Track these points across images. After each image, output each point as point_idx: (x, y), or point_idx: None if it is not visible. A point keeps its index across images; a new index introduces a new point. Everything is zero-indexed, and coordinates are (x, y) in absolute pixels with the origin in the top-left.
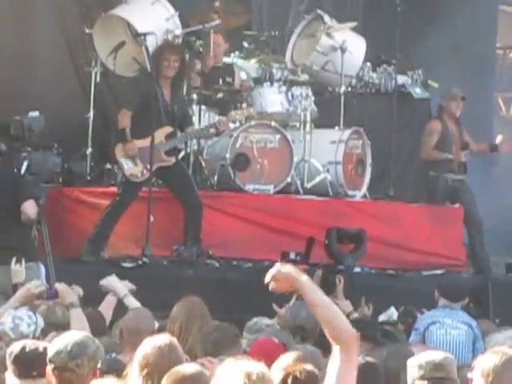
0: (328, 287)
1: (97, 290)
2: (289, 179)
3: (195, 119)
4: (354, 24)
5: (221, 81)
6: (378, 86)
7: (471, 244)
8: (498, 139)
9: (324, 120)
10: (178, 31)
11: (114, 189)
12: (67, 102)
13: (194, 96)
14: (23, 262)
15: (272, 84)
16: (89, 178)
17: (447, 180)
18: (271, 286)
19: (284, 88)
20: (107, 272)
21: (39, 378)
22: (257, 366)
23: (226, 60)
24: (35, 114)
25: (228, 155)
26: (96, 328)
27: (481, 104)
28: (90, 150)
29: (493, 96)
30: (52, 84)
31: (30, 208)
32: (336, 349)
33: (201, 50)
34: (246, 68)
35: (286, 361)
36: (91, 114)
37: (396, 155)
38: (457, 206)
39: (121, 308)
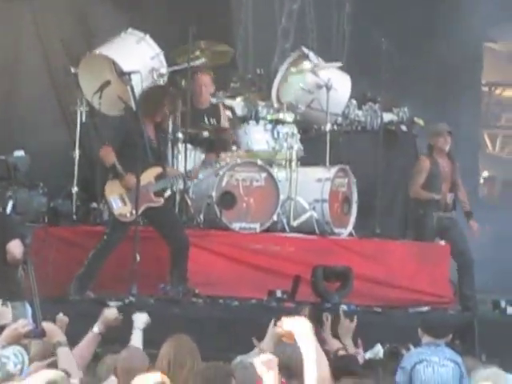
0: (314, 325)
1: (82, 329)
2: (275, 217)
3: (181, 158)
4: (339, 64)
5: (206, 121)
6: (364, 124)
7: (460, 282)
8: (484, 174)
9: (310, 158)
10: (164, 70)
11: (100, 228)
12: (53, 141)
13: (180, 135)
14: (8, 303)
15: (258, 122)
16: (75, 217)
17: (435, 218)
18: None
19: (270, 126)
20: (93, 311)
21: None
22: None
23: (212, 100)
24: (20, 153)
25: (214, 193)
26: None
27: (466, 140)
28: (75, 189)
29: (478, 132)
30: (37, 123)
31: (15, 248)
32: None
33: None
34: (232, 106)
35: None
36: (77, 153)
37: (382, 193)
38: (443, 243)
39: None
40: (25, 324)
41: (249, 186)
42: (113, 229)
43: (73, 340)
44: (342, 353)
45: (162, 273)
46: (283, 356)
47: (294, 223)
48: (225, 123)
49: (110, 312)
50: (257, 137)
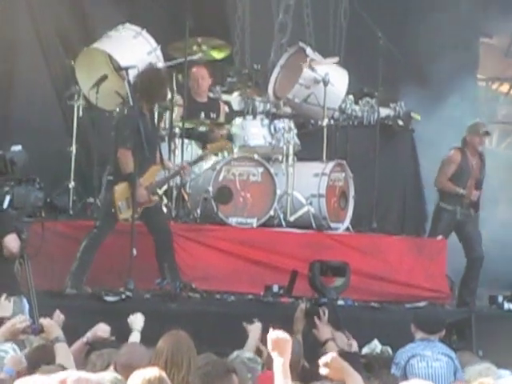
0: (312, 320)
1: (79, 324)
2: (272, 212)
3: (178, 152)
4: (336, 59)
5: (204, 115)
6: (361, 119)
7: (466, 277)
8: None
9: (307, 153)
10: (160, 64)
11: None
12: (50, 135)
13: (177, 129)
14: (11, 298)
15: (255, 117)
16: (71, 212)
17: (455, 213)
18: (323, 372)
19: (267, 121)
20: (90, 306)
21: None
22: None
23: (210, 94)
24: (18, 147)
25: (211, 188)
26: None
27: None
28: (72, 183)
29: None
30: (35, 118)
31: (12, 242)
32: None
33: (182, 83)
34: (228, 101)
35: None
36: (74, 147)
37: (379, 188)
38: (439, 238)
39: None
40: (23, 320)
41: (246, 180)
42: (104, 222)
43: (70, 335)
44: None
45: (158, 267)
46: None
47: (291, 218)
48: (223, 118)
49: (103, 329)
50: (253, 131)
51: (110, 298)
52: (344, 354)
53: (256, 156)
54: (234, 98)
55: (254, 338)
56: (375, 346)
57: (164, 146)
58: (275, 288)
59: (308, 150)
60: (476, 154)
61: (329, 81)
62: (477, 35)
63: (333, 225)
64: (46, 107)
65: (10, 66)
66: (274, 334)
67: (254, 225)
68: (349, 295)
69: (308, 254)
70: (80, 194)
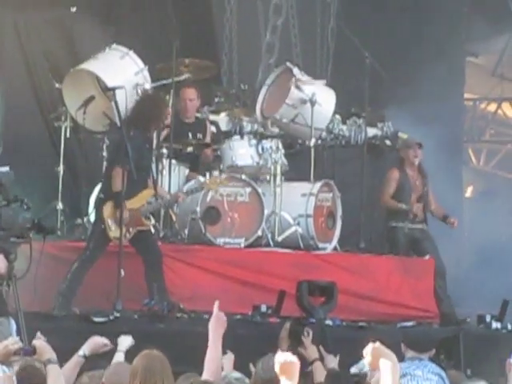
0: (296, 340)
1: (69, 346)
2: (259, 232)
3: (165, 173)
4: (323, 81)
5: (191, 136)
6: (348, 139)
7: (436, 292)
8: (469, 191)
9: (294, 173)
10: (148, 85)
11: (84, 244)
12: (37, 156)
13: (164, 150)
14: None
15: (242, 137)
16: (59, 233)
17: (404, 229)
18: (367, 361)
19: (254, 141)
20: (78, 327)
21: None
22: None
23: (198, 115)
24: (5, 168)
25: (198, 209)
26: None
27: (450, 155)
28: (60, 204)
29: (462, 147)
30: (21, 139)
31: (0, 263)
32: None
33: (170, 103)
34: (216, 121)
35: None
36: (61, 168)
37: (366, 207)
38: (427, 257)
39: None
40: (15, 341)
41: (233, 201)
42: (96, 244)
43: (58, 356)
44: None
45: (146, 288)
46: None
47: (279, 238)
48: (209, 139)
49: (99, 340)
50: (241, 152)
51: (98, 319)
52: (335, 373)
53: (243, 176)
54: (222, 118)
55: (227, 369)
56: (363, 365)
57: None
58: (263, 308)
59: (295, 170)
60: (415, 169)
61: (316, 101)
62: (463, 55)
63: (320, 245)
64: (32, 128)
65: None
66: (282, 357)
67: (242, 245)
68: (337, 315)
69: (296, 273)
70: (67, 214)
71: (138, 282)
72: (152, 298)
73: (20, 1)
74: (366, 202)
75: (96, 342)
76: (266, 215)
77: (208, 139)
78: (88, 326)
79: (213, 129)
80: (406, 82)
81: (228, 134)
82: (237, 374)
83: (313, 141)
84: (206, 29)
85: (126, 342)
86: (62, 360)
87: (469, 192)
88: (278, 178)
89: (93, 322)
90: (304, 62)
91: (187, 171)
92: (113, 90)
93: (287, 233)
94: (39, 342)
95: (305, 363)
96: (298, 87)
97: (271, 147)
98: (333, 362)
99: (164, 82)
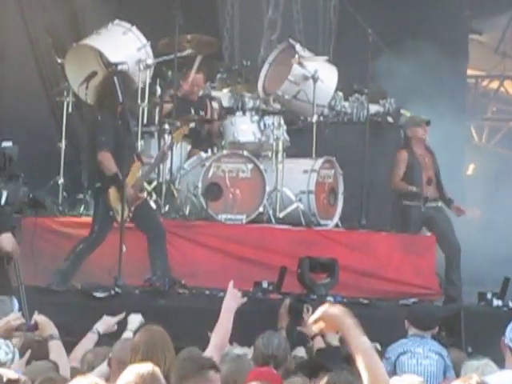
0: (296, 316)
1: (70, 320)
2: (261, 209)
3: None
4: (325, 58)
5: (193, 112)
6: (350, 116)
7: (447, 271)
8: (471, 168)
9: (296, 149)
10: (150, 61)
11: (86, 219)
12: (39, 131)
13: (166, 126)
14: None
15: (244, 113)
16: (61, 207)
17: (420, 208)
18: (318, 327)
19: (256, 117)
20: (79, 302)
21: None
22: None
23: (200, 92)
24: (9, 143)
25: (200, 185)
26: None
27: (453, 133)
28: (61, 179)
29: (465, 125)
30: (24, 114)
31: (8, 241)
32: None
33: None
34: (218, 97)
35: None
36: (63, 143)
37: (368, 184)
38: (429, 234)
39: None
40: (17, 317)
41: (235, 177)
42: (102, 227)
43: (59, 331)
44: (320, 346)
45: (148, 264)
46: (270, 346)
47: (280, 215)
48: (212, 115)
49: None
50: (243, 128)
51: (99, 294)
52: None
53: (245, 152)
54: (224, 95)
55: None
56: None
57: (154, 143)
58: (264, 284)
59: (297, 147)
60: (423, 147)
61: (318, 77)
62: (466, 32)
63: (322, 221)
64: (35, 103)
65: (0, 63)
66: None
67: (244, 221)
68: (338, 291)
69: (297, 250)
70: (69, 189)
71: (139, 258)
72: (154, 273)
73: None
74: (368, 178)
75: (108, 323)
76: (267, 192)
77: (209, 116)
78: (89, 301)
79: (214, 105)
80: (409, 58)
81: (230, 110)
82: (238, 350)
83: (315, 117)
84: (208, 4)
85: (136, 320)
86: (64, 335)
87: (470, 170)
88: (280, 154)
89: (94, 297)
90: (306, 39)
91: (189, 147)
92: (115, 65)
93: (289, 209)
94: (41, 317)
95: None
96: (300, 64)
97: (273, 123)
98: (334, 338)
99: (166, 57)
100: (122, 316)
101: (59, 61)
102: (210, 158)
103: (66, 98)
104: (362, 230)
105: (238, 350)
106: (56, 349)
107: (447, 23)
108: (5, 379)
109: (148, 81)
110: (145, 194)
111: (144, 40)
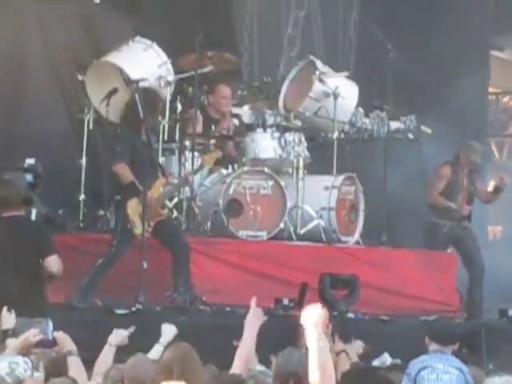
0: None
1: (90, 337)
2: (282, 225)
3: (188, 166)
4: (346, 73)
5: (213, 128)
6: (371, 132)
7: (470, 289)
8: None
9: (317, 166)
10: (171, 77)
11: (107, 236)
12: (60, 148)
13: (187, 142)
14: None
15: (265, 130)
16: (82, 224)
17: (448, 226)
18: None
19: (277, 134)
20: (100, 319)
21: None
22: None
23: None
24: (32, 160)
25: (221, 201)
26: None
27: None
28: (82, 196)
29: (485, 141)
30: (45, 131)
31: (54, 262)
32: None
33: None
34: (239, 114)
35: None
36: (84, 160)
37: (388, 201)
38: (449, 251)
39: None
40: (36, 333)
41: (256, 193)
42: (121, 242)
43: (79, 348)
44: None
45: (169, 280)
46: (290, 362)
47: (301, 231)
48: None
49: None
50: (264, 144)
51: (120, 311)
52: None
53: (266, 169)
54: (245, 111)
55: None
56: (385, 359)
57: (175, 160)
58: (285, 301)
59: (318, 163)
60: (467, 169)
61: (339, 94)
62: (487, 48)
63: (343, 238)
64: (56, 120)
65: (21, 79)
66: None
67: (264, 238)
68: (359, 308)
69: (318, 266)
70: (90, 206)
71: (160, 275)
72: (177, 290)
73: None
74: (389, 195)
75: (121, 335)
76: (288, 208)
77: (230, 132)
78: (110, 318)
79: (235, 122)
80: (430, 75)
81: (251, 127)
82: (260, 367)
83: (336, 134)
84: (226, 20)
85: (170, 331)
86: (83, 351)
87: (491, 186)
88: (301, 171)
89: (115, 314)
90: (326, 55)
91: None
92: (136, 82)
93: (309, 226)
94: (60, 333)
95: None
96: (321, 80)
97: (294, 140)
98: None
99: (187, 74)
100: (132, 329)
101: (80, 78)
102: (230, 175)
103: (87, 114)
104: (383, 246)
105: (260, 366)
106: (75, 365)
107: (469, 39)
108: None
109: (168, 97)
110: (166, 211)
111: (165, 57)
